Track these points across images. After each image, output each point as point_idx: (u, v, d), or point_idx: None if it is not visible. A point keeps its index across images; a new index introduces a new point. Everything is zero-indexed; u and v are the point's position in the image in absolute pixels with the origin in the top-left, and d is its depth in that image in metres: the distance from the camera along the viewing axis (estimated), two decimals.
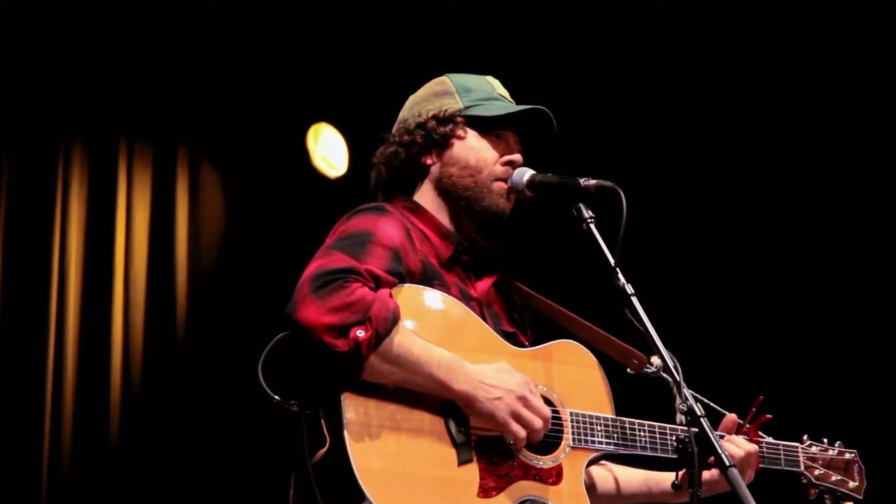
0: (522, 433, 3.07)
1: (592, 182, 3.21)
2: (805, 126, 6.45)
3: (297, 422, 2.98)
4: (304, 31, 6.30)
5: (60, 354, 5.89)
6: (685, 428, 2.92)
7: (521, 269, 3.54)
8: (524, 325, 3.46)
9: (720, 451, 2.87)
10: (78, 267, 6.01)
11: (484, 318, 3.25)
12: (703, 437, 2.89)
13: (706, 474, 3.17)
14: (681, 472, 3.09)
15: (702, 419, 2.91)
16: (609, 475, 3.49)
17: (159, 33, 6.15)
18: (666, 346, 3.02)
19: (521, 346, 3.31)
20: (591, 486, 3.39)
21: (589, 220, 3.18)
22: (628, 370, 3.36)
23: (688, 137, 6.56)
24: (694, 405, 2.93)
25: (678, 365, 3.00)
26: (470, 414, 3.06)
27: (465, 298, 3.24)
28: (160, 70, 6.20)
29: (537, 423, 3.08)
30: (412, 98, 3.49)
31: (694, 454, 2.89)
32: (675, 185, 6.53)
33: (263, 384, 2.98)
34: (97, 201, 6.13)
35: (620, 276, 3.09)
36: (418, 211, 3.36)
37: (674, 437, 3.09)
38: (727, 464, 2.86)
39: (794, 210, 6.50)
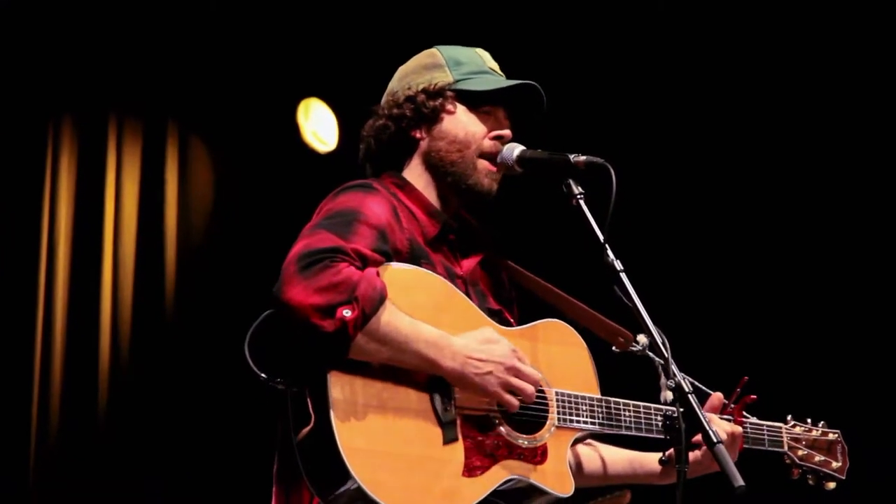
0: (515, 402, 3.08)
1: (582, 158, 3.21)
2: (792, 106, 6.45)
3: (283, 400, 2.97)
4: (294, 6, 6.27)
5: (49, 330, 5.89)
6: (671, 408, 2.95)
7: (509, 246, 3.53)
8: (510, 303, 3.45)
9: (707, 428, 2.88)
10: (67, 243, 6.00)
11: (469, 297, 3.23)
12: (690, 414, 2.91)
13: (690, 455, 3.18)
14: (668, 451, 3.10)
15: (689, 395, 2.93)
16: (595, 455, 3.49)
17: (149, 9, 6.12)
18: (654, 323, 3.02)
19: (507, 323, 3.30)
20: (577, 465, 3.39)
21: (578, 196, 3.18)
22: (613, 348, 3.35)
23: (677, 113, 6.54)
24: (682, 381, 2.94)
25: (666, 341, 3.01)
26: (460, 390, 3.05)
27: (451, 277, 3.22)
28: (149, 46, 6.17)
29: (529, 389, 3.09)
30: (401, 69, 3.46)
31: (681, 430, 2.91)
32: (664, 163, 6.52)
33: (250, 362, 2.97)
34: (86, 177, 6.12)
35: (609, 252, 3.09)
36: (406, 188, 3.34)
37: (659, 418, 3.10)
38: (714, 440, 2.87)
39: (779, 195, 6.50)
